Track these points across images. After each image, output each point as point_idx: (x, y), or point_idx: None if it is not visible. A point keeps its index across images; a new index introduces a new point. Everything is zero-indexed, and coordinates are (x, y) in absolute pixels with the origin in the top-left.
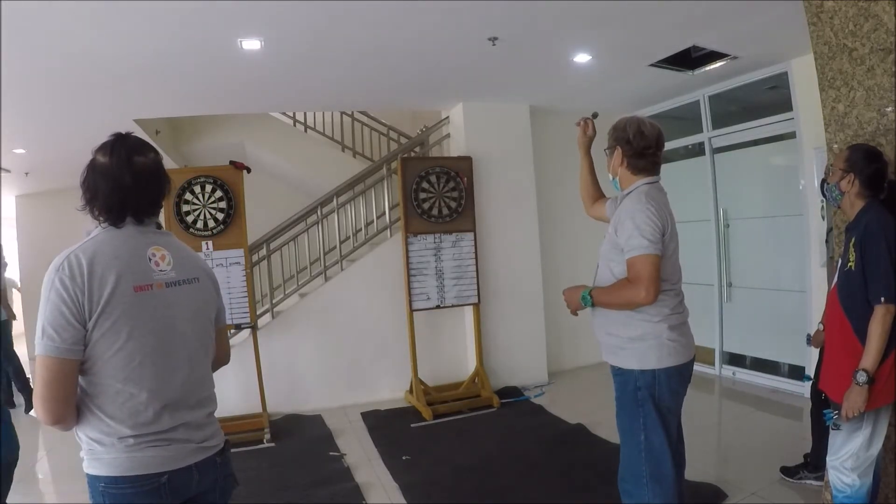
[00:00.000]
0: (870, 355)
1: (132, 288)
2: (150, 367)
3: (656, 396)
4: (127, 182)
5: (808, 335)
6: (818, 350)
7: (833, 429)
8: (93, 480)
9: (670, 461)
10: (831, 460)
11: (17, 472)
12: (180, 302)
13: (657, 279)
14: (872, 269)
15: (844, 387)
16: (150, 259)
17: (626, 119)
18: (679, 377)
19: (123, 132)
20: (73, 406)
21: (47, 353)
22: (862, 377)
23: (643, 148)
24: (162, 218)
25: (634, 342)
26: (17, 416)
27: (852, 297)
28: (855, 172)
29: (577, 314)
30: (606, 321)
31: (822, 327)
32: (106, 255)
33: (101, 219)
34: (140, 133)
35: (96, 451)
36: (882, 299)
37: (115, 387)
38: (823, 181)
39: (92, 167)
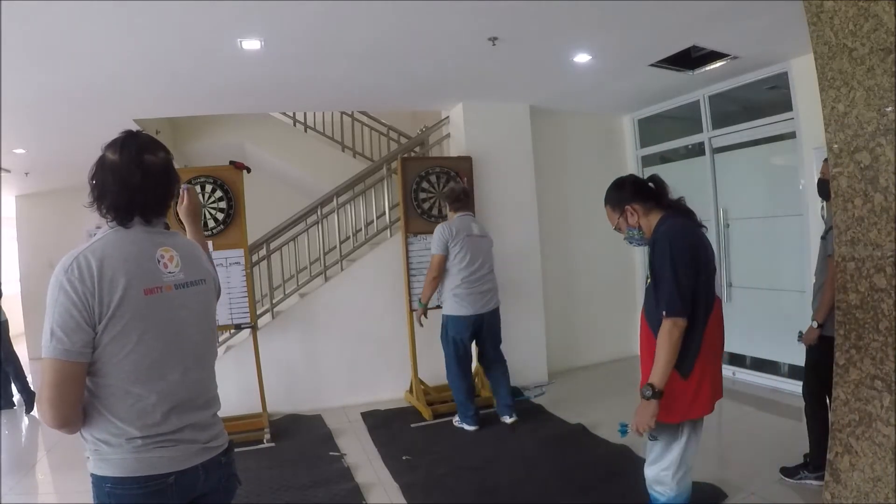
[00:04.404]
0: (657, 369)
1: (142, 291)
2: (159, 369)
3: (450, 331)
4: (136, 180)
5: (800, 332)
6: (807, 350)
7: (650, 440)
8: (98, 481)
9: (459, 369)
10: (651, 471)
11: (18, 472)
12: (188, 303)
13: (438, 265)
14: (660, 284)
15: (662, 400)
16: (158, 261)
17: (448, 187)
18: (462, 323)
19: (134, 130)
20: (80, 409)
21: (56, 355)
22: (647, 392)
23: (453, 200)
24: None
25: (445, 298)
26: (16, 417)
27: (650, 312)
28: (623, 205)
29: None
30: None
31: (815, 325)
32: (115, 258)
33: (108, 217)
34: None
35: (103, 451)
36: (664, 313)
37: (124, 389)
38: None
39: (101, 164)
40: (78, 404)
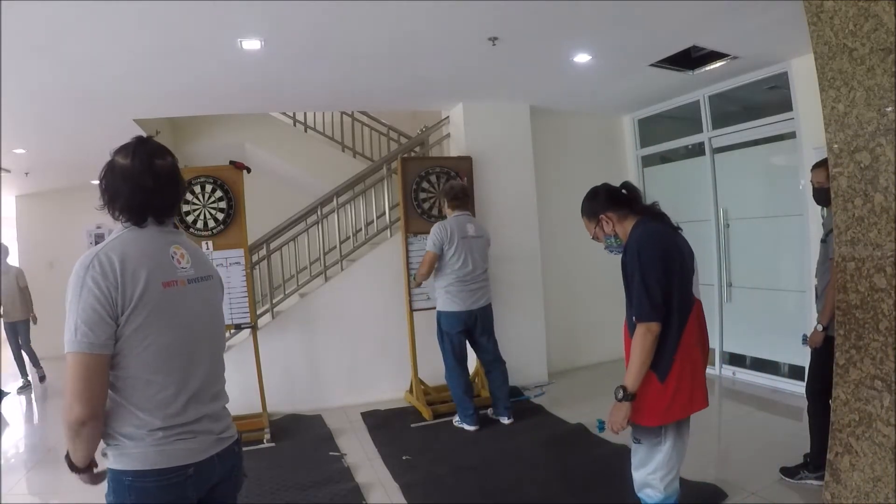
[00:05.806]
0: (630, 372)
1: (161, 284)
2: (177, 360)
3: (443, 326)
4: (149, 184)
5: (805, 335)
6: (812, 350)
7: (634, 443)
8: (118, 475)
9: (456, 364)
10: (638, 475)
11: (18, 472)
12: (199, 298)
13: (430, 262)
14: (631, 291)
15: (639, 403)
16: (172, 256)
17: (448, 185)
18: (454, 318)
19: (143, 136)
20: (105, 401)
21: (82, 349)
22: (618, 393)
23: (452, 198)
24: None
25: (438, 295)
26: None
27: (629, 318)
28: (597, 214)
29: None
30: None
31: (820, 327)
32: (134, 253)
33: (121, 218)
34: (140, 133)
35: (125, 445)
36: (634, 318)
37: (146, 378)
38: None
39: (111, 168)
40: (104, 396)
